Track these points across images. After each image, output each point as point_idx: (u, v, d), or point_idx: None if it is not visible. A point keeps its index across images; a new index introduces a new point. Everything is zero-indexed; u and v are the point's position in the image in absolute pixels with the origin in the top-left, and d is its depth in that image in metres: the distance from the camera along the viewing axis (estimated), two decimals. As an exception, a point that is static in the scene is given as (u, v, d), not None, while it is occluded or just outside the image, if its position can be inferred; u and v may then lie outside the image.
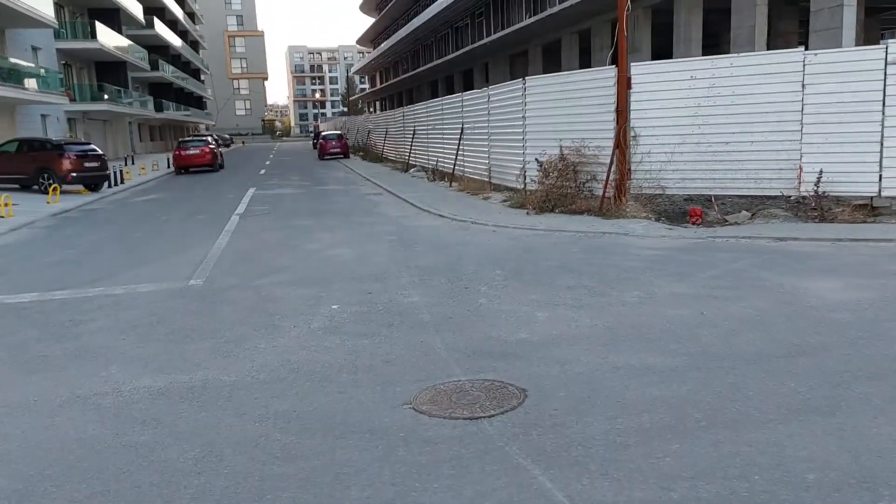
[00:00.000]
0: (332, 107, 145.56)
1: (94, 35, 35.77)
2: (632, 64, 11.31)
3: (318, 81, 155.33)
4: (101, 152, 21.09)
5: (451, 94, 20.69)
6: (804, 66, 9.90)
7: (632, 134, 11.22)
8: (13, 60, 26.04)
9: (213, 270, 8.27)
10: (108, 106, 37.15)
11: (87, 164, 20.19)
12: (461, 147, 17.90)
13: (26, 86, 26.07)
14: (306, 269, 8.26)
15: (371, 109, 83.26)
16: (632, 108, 11.23)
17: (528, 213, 11.88)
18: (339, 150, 37.07)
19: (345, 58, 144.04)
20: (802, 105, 9.95)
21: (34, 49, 31.87)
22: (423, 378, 4.22)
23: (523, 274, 7.28)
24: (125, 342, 5.47)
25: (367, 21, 78.78)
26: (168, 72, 56.56)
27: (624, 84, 11.10)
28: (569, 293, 6.28)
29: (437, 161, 20.80)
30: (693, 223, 10.40)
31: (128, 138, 50.08)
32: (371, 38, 79.74)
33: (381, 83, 75.96)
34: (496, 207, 13.33)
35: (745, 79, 10.39)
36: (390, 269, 7.93)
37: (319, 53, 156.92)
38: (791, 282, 6.35)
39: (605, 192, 11.26)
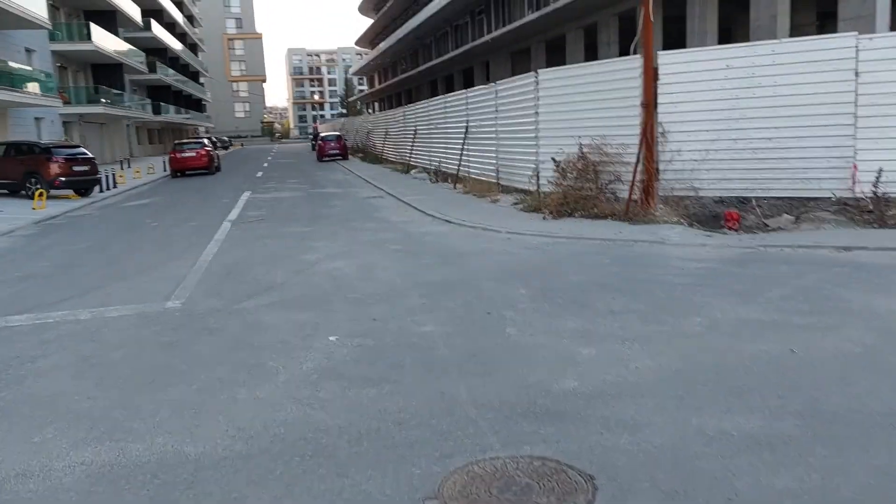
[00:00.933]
0: (331, 108, 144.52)
1: (89, 37, 34.79)
2: (659, 53, 10.26)
3: (316, 83, 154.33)
4: (91, 156, 20.07)
5: (451, 93, 19.78)
6: (857, 52, 8.86)
7: (660, 130, 10.17)
8: (1, 61, 25.01)
9: (195, 289, 7.23)
10: (105, 109, 36.13)
11: (76, 168, 19.17)
12: (466, 147, 16.87)
13: (17, 87, 25.06)
14: (301, 286, 7.22)
15: (370, 110, 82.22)
16: (659, 101, 10.17)
17: (544, 218, 10.83)
18: (337, 151, 36.06)
19: (343, 59, 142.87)
20: (856, 96, 8.91)
21: (28, 51, 30.86)
22: (449, 452, 3.18)
23: (553, 293, 6.23)
24: (77, 388, 4.44)
25: (366, 22, 77.79)
26: (166, 74, 55.56)
27: (650, 75, 10.05)
28: (614, 320, 5.23)
29: (440, 162, 19.77)
30: (730, 228, 9.35)
31: (125, 141, 49.09)
32: (370, 39, 78.69)
33: (380, 84, 74.92)
34: (507, 211, 12.29)
35: (790, 67, 9.34)
36: (397, 286, 6.89)
37: (318, 56, 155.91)
38: (883, 303, 5.30)
39: (630, 193, 10.22)
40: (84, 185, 19.77)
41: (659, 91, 10.16)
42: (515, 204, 12.90)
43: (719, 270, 6.82)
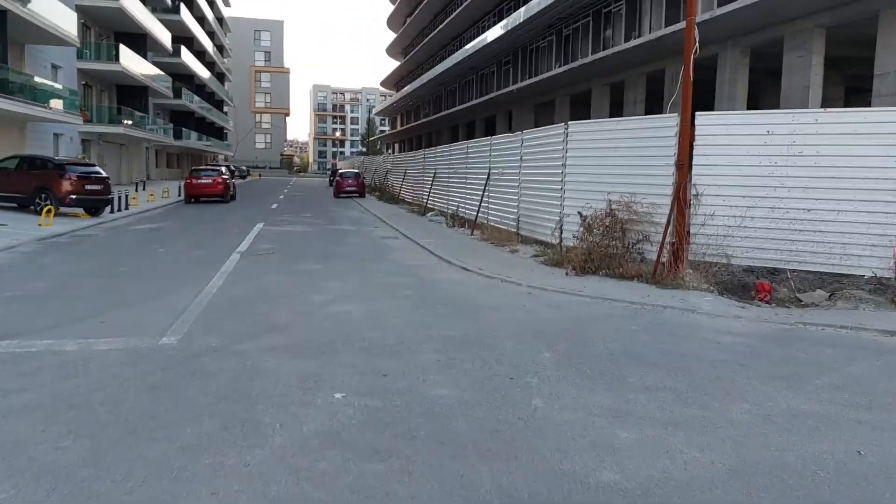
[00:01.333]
0: (351, 146, 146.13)
1: (116, 58, 35.22)
2: (697, 113, 9.91)
3: (339, 120, 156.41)
4: (104, 175, 19.89)
5: (475, 139, 19.51)
6: (906, 127, 8.46)
7: (693, 192, 9.75)
8: (24, 74, 25.18)
9: (193, 324, 6.77)
10: (124, 130, 36.33)
11: (88, 187, 18.96)
12: (486, 193, 16.52)
13: (38, 102, 25.16)
14: (307, 329, 6.74)
15: (390, 150, 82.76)
16: (694, 162, 9.78)
17: (567, 274, 10.36)
18: (355, 188, 35.95)
19: (367, 99, 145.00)
20: (903, 172, 8.48)
21: (54, 67, 31.21)
22: (470, 560, 2.65)
23: (580, 360, 5.71)
24: (47, 434, 3.94)
25: (392, 64, 78.98)
26: (191, 101, 56.23)
27: (687, 135, 9.67)
28: (651, 398, 4.70)
29: (458, 206, 19.43)
30: (761, 300, 8.83)
31: (143, 163, 49.36)
32: (395, 82, 79.78)
33: (402, 125, 75.60)
34: (527, 263, 11.83)
35: (833, 138, 8.95)
36: (409, 338, 6.40)
37: (343, 94, 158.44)
38: (950, 403, 4.76)
39: (659, 255, 9.74)
40: (95, 204, 19.54)
41: (695, 152, 9.78)
42: (536, 256, 12.46)
43: (759, 349, 6.29)
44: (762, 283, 9.13)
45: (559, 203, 12.19)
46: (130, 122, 39.64)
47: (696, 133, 9.83)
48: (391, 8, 70.34)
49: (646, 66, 25.22)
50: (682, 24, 20.91)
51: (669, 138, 9.98)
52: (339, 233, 17.43)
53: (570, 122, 11.86)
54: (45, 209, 16.61)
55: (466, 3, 44.10)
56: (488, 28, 40.83)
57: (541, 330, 6.89)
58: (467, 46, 43.61)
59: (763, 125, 9.48)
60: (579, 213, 10.83)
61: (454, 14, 47.89)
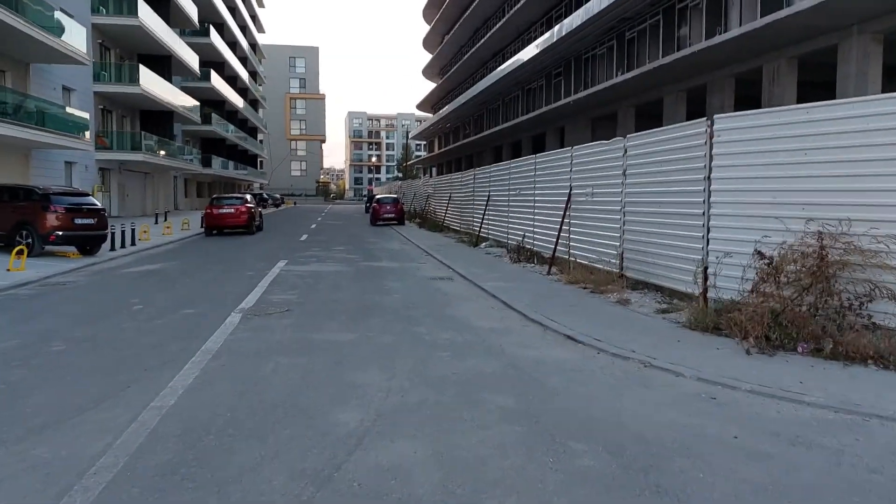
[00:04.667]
0: (387, 172, 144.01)
1: (136, 80, 32.59)
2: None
3: (374, 147, 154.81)
4: (99, 206, 16.65)
5: (547, 152, 15.86)
6: None
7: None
8: (17, 93, 22.35)
9: (103, 494, 3.12)
10: (144, 157, 33.58)
11: (78, 221, 15.73)
12: (567, 220, 12.72)
13: (41, 126, 22.30)
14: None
15: (428, 175, 79.58)
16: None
17: (748, 352, 6.45)
18: (393, 215, 32.51)
19: (403, 125, 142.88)
20: None
21: (66, 89, 28.59)
22: None
23: None
24: None
25: (428, 86, 76.13)
26: (222, 127, 53.87)
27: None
28: None
29: (524, 236, 15.65)
30: None
31: (171, 193, 46.84)
32: (432, 104, 76.82)
33: (440, 148, 72.39)
34: (657, 325, 7.97)
35: None
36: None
37: (378, 120, 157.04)
38: None
39: (913, 323, 5.81)
40: (87, 241, 16.30)
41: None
42: (664, 312, 8.59)
43: None
44: None
45: (700, 235, 8.33)
46: (163, 152, 37.06)
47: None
48: (427, 28, 67.63)
49: (735, 67, 21.26)
50: (784, 12, 17.02)
51: (914, 129, 6.08)
52: (378, 272, 13.78)
53: (717, 117, 8.02)
54: (16, 250, 13.34)
55: (511, 13, 40.80)
56: (535, 39, 37.34)
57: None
58: (512, 60, 40.19)
59: None
60: (757, 252, 6.93)
61: (496, 27, 44.62)
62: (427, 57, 70.86)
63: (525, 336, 7.63)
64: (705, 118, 8.43)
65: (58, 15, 23.46)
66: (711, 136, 8.17)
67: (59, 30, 23.64)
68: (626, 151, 10.54)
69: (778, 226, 7.03)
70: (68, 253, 16.29)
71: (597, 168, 11.69)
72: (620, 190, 10.66)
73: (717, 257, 7.57)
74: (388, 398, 5.21)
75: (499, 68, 43.50)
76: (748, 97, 21.48)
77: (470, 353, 6.76)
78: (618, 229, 10.76)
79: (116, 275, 13.56)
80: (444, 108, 62.60)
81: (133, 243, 19.59)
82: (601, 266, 11.16)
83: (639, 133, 10.34)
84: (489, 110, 52.62)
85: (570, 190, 12.73)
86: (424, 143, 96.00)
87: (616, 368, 6.18)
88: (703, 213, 8.29)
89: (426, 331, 7.83)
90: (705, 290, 8.10)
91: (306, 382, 5.63)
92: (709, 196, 8.17)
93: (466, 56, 53.28)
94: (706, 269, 8.13)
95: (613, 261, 10.78)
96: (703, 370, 5.93)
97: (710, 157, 8.15)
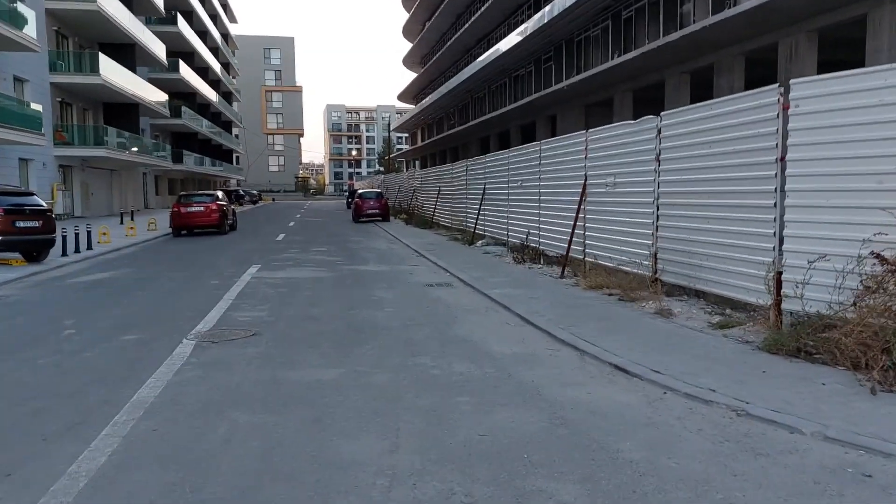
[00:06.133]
0: (368, 165, 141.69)
1: (96, 69, 30.35)
2: None
3: (354, 140, 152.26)
4: (45, 207, 14.69)
5: (554, 138, 14.15)
6: None
7: None
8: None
9: None
10: (108, 152, 31.38)
11: (20, 225, 13.77)
12: (583, 215, 11.04)
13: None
14: None
15: (413, 168, 77.56)
16: None
17: (871, 390, 4.78)
18: (377, 211, 30.66)
19: (383, 117, 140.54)
20: None
21: (17, 80, 26.37)
22: None
23: None
24: None
25: (409, 76, 74.07)
26: (194, 121, 51.52)
27: None
28: None
29: (529, 233, 13.96)
30: None
31: (140, 190, 44.57)
32: (413, 94, 74.76)
33: (423, 140, 70.46)
34: (719, 344, 6.30)
35: None
36: None
37: (358, 113, 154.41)
38: None
39: None
40: (31, 247, 14.34)
41: None
42: (721, 327, 6.92)
43: None
44: None
45: (771, 231, 6.66)
46: (135, 148, 34.81)
47: None
48: (406, 16, 65.54)
49: (746, 44, 19.68)
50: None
51: None
52: (365, 279, 12.00)
53: (794, 82, 6.34)
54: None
55: (495, -4, 39.03)
56: (522, 23, 35.58)
57: None
58: (498, 45, 38.43)
59: None
60: (875, 254, 5.26)
61: (480, 11, 42.74)
62: (407, 46, 68.79)
63: (560, 366, 5.92)
64: (777, 84, 6.75)
65: (2, -4, 21.32)
66: (785, 107, 6.49)
67: (5, 13, 21.49)
68: (659, 132, 8.85)
69: (878, 218, 5.38)
70: (11, 260, 14.33)
71: (619, 154, 10.00)
72: (653, 178, 8.97)
73: (808, 260, 5.89)
74: (393, 491, 3.47)
75: (484, 55, 41.71)
76: (760, 79, 19.91)
77: (497, 397, 5.03)
78: (649, 225, 9.07)
79: (59, 286, 11.65)
80: (427, 99, 60.66)
81: (89, 247, 17.62)
82: (628, 269, 9.48)
83: (678, 109, 8.64)
84: (475, 99, 50.82)
85: (586, 180, 11.04)
86: (406, 135, 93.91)
87: (701, 420, 4.49)
88: (775, 205, 6.62)
89: (432, 362, 6.09)
90: (779, 301, 6.44)
91: (271, 463, 3.86)
92: (782, 183, 6.50)
93: (449, 43, 51.37)
94: (780, 273, 6.47)
95: (644, 262, 9.10)
96: (826, 422, 4.26)
97: (784, 133, 6.48)
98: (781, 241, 6.47)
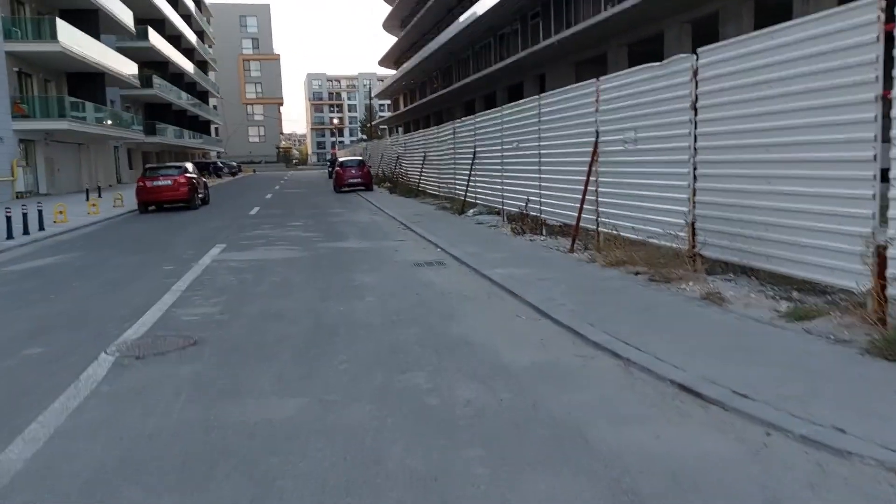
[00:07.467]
0: (351, 134, 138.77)
1: (54, 36, 28.06)
2: None
3: (336, 109, 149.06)
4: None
5: (555, 90, 12.52)
6: None
7: None
8: None
9: None
10: (70, 124, 29.25)
11: (-53, 206, 11.95)
12: (595, 178, 9.42)
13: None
14: None
15: (396, 135, 75.34)
16: None
17: None
18: (359, 179, 28.90)
19: (364, 85, 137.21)
20: None
21: (-38, 47, 24.16)
22: None
23: None
24: None
25: (390, 40, 71.36)
26: (168, 92, 49.04)
27: None
28: None
29: (528, 201, 12.33)
30: None
31: (112, 165, 42.35)
32: (394, 58, 72.12)
33: (406, 106, 68.16)
34: (811, 348, 4.75)
35: None
36: None
37: (338, 81, 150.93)
38: None
39: None
40: (-39, 231, 12.57)
41: None
42: (798, 319, 5.35)
43: None
44: None
45: (870, 193, 5.07)
46: (108, 121, 32.58)
47: None
48: (386, -24, 62.74)
49: (757, -14, 17.92)
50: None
51: None
52: (344, 258, 10.36)
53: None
54: None
55: (479, -52, 36.71)
56: (508, -24, 33.40)
57: None
58: (481, 2, 36.23)
59: None
60: None
61: (463, -34, 40.41)
62: (387, 9, 66.02)
63: (601, 385, 4.35)
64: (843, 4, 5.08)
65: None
66: (888, 28, 4.84)
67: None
68: (695, 74, 7.18)
69: None
70: (-60, 248, 12.56)
71: (640, 103, 8.33)
72: (688, 131, 7.33)
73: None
74: None
75: (467, 13, 39.51)
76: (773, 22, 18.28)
77: (523, 448, 3.44)
78: (685, 188, 7.46)
79: (-16, 279, 9.92)
80: (408, 63, 58.31)
81: (41, 228, 15.82)
82: (656, 240, 7.90)
83: (721, 43, 6.94)
84: (458, 61, 48.64)
85: (597, 137, 9.38)
86: (388, 102, 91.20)
87: (846, 489, 2.93)
88: (875, 157, 5.01)
89: (427, 382, 4.49)
90: (883, 286, 4.88)
91: None
92: (884, 128, 4.89)
93: (430, 3, 48.93)
94: (884, 248, 4.90)
95: (679, 233, 7.50)
96: None
97: (888, 59, 4.84)
98: (885, 207, 4.88)
